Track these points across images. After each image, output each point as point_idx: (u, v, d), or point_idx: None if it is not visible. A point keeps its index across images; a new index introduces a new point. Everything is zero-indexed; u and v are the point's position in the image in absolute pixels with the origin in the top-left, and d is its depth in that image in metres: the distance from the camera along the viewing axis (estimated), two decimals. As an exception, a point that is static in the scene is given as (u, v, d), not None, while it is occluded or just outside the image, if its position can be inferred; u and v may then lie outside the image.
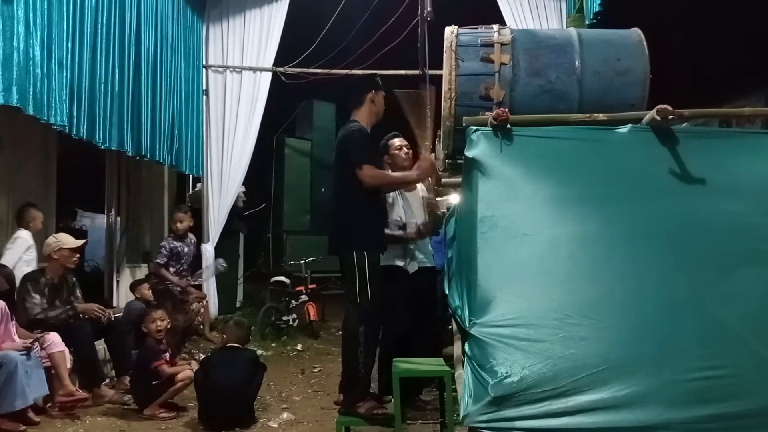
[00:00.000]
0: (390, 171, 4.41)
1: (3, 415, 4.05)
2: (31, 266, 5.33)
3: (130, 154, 6.33)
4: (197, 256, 6.73)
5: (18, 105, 4.52)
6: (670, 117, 3.10)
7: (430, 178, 4.51)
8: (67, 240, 5.15)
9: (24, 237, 5.39)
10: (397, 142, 4.61)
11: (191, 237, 6.54)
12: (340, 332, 3.95)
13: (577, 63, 3.68)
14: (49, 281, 5.03)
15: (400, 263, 4.42)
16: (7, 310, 4.45)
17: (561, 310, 2.69)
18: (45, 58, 4.83)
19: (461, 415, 2.59)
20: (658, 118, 3.10)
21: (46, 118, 4.85)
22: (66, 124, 5.09)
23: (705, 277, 2.75)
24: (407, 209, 4.58)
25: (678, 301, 2.69)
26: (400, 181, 4.12)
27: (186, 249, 6.33)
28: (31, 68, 4.66)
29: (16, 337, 4.48)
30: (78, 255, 5.26)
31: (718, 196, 2.98)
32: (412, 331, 4.40)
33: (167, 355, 4.80)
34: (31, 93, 4.65)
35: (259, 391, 4.63)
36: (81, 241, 5.29)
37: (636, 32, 3.87)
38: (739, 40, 7.75)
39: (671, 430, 2.39)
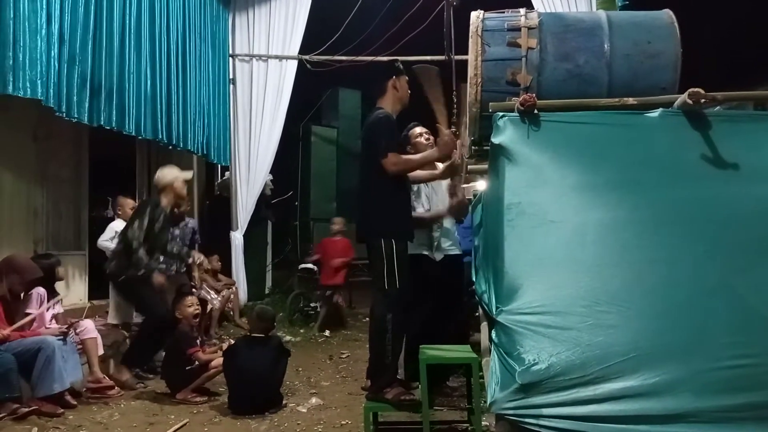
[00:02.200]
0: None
1: (42, 398, 4.18)
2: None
3: (163, 143, 6.45)
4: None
5: (41, 98, 4.60)
6: (703, 101, 3.03)
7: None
8: (178, 172, 5.42)
9: (112, 227, 5.78)
10: (417, 130, 4.59)
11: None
12: (368, 319, 3.97)
13: (606, 46, 3.61)
14: (165, 210, 5.21)
15: (426, 252, 4.42)
16: (45, 297, 4.60)
17: (589, 297, 2.66)
18: (67, 52, 4.92)
19: (488, 402, 2.59)
20: (689, 101, 3.03)
21: (65, 110, 4.92)
22: (85, 116, 5.16)
23: (737, 264, 2.70)
24: (432, 195, 4.57)
25: (709, 288, 2.64)
26: (422, 161, 3.88)
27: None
28: (54, 61, 4.74)
29: (50, 324, 4.61)
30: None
31: (752, 182, 2.90)
32: (439, 318, 4.41)
33: (199, 341, 4.91)
34: (54, 86, 4.74)
35: (284, 376, 4.69)
36: (191, 172, 5.71)
37: (667, 14, 3.77)
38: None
39: (701, 419, 2.36)
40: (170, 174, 5.32)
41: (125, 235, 5.04)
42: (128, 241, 4.98)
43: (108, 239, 5.71)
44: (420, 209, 4.47)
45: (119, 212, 6.01)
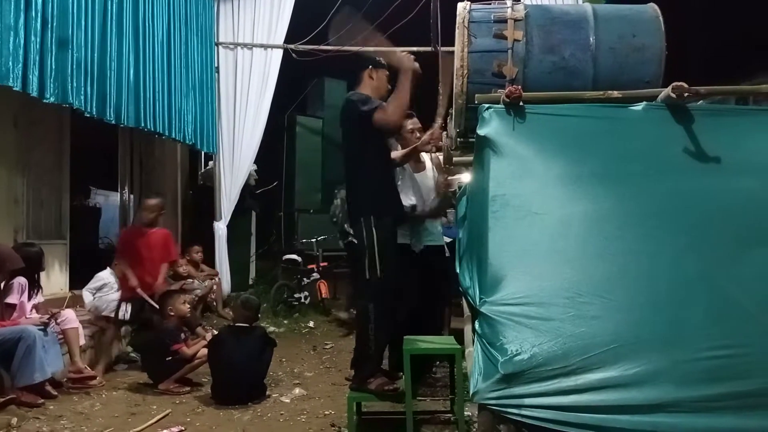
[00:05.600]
0: (400, 149, 4.37)
1: (22, 387, 4.13)
2: None
3: (147, 131, 6.35)
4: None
5: (18, 85, 4.49)
6: (686, 94, 3.05)
7: (440, 157, 4.49)
8: None
9: (99, 277, 5.63)
10: (409, 125, 4.50)
11: None
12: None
13: (591, 39, 3.63)
14: None
15: (406, 241, 4.41)
16: (26, 287, 4.54)
17: (572, 288, 2.69)
18: (49, 37, 4.80)
19: (471, 392, 2.61)
20: (673, 95, 3.06)
21: (47, 96, 4.82)
22: (67, 102, 5.06)
23: (718, 256, 2.73)
24: (417, 192, 4.54)
25: (690, 279, 2.68)
26: (405, 98, 3.59)
27: None
28: (32, 47, 4.62)
29: (30, 313, 4.56)
30: None
31: (734, 175, 2.94)
32: (423, 308, 4.41)
33: (183, 336, 4.90)
34: (35, 73, 4.63)
35: (269, 366, 4.68)
36: None
37: (652, 7, 3.80)
38: (757, 16, 7.59)
39: (681, 409, 2.39)
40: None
41: None
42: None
43: (92, 289, 5.58)
44: (407, 202, 4.43)
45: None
